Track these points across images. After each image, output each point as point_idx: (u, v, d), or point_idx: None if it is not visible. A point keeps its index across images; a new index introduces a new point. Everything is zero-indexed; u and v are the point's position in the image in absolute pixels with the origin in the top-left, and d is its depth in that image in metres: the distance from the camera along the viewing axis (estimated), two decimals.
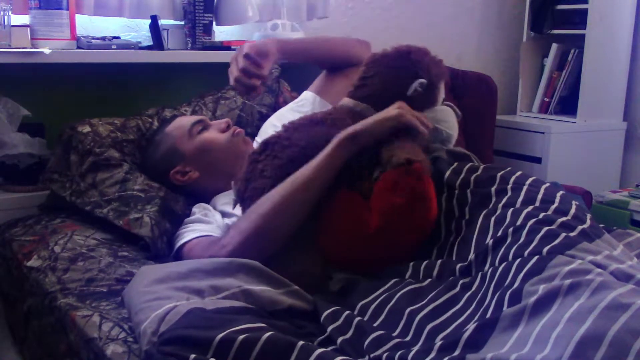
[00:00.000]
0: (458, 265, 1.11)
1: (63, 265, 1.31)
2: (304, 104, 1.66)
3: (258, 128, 1.76)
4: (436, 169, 1.31)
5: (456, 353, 0.88)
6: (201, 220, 1.42)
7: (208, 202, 1.52)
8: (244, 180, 1.30)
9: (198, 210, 1.47)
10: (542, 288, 0.89)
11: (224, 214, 1.46)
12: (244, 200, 1.29)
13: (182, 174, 1.54)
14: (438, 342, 0.91)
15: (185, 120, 1.59)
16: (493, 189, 1.21)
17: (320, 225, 1.25)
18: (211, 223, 1.41)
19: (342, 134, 1.24)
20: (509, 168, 1.27)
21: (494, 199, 1.19)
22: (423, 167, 1.20)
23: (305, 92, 1.73)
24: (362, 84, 1.39)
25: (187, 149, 1.54)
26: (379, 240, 1.19)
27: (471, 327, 0.91)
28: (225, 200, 1.47)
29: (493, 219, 1.14)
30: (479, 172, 1.28)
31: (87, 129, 1.61)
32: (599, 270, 0.92)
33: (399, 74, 1.36)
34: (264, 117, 1.86)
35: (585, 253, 0.98)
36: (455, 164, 1.33)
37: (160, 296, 1.03)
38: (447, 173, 1.29)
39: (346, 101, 1.40)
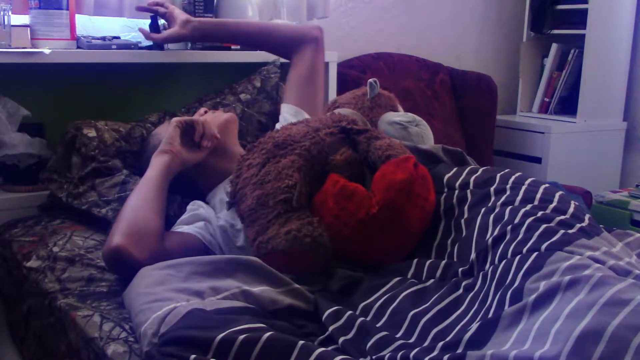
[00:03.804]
0: (460, 268, 1.11)
1: (62, 265, 1.31)
2: (287, 118, 1.72)
3: (257, 137, 1.73)
4: (437, 171, 1.33)
5: (458, 352, 0.88)
6: (187, 221, 1.42)
7: (203, 199, 1.51)
8: (234, 178, 1.31)
9: (192, 207, 1.47)
10: (542, 285, 0.89)
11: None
12: (236, 199, 1.30)
13: None
14: (441, 343, 0.91)
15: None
16: (492, 188, 1.22)
17: (319, 211, 1.24)
18: (195, 222, 1.41)
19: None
20: (508, 169, 1.28)
21: (492, 198, 1.20)
22: (417, 161, 1.27)
23: (282, 105, 1.78)
24: None
25: None
26: (381, 222, 1.19)
27: (474, 327, 0.91)
28: (222, 195, 1.48)
29: (492, 216, 1.14)
30: (478, 173, 1.29)
31: (92, 133, 1.59)
32: (597, 265, 0.92)
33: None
34: (263, 126, 1.86)
35: (584, 249, 0.98)
36: (456, 168, 1.35)
37: (160, 298, 1.03)
38: (448, 175, 1.32)
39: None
